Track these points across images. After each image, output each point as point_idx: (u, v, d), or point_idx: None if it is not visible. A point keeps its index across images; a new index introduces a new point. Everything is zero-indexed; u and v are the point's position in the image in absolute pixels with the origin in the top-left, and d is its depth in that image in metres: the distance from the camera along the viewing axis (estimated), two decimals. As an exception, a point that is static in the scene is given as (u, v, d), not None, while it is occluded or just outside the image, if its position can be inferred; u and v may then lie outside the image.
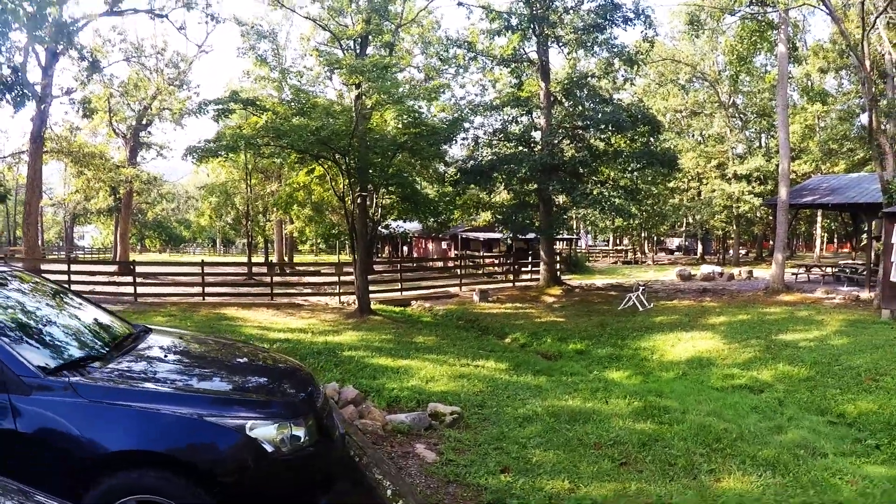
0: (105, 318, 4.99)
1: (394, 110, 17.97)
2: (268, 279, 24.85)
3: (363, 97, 17.55)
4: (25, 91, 13.21)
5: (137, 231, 50.88)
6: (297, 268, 35.20)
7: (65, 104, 36.45)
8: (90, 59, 20.97)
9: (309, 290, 23.77)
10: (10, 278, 4.90)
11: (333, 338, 13.84)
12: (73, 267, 23.90)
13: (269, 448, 3.53)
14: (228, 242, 78.70)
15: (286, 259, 40.01)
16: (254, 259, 39.36)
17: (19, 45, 14.41)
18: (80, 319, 4.70)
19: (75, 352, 4.09)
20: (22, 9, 12.65)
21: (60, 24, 14.95)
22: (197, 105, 19.81)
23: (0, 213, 57.91)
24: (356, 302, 19.14)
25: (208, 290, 22.09)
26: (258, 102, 19.46)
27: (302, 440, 3.70)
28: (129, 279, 22.74)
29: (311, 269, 31.13)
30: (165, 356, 4.58)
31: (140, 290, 21.57)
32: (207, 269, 23.60)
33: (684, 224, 55.91)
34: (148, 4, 24.77)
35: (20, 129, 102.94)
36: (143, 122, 35.83)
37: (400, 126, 18.23)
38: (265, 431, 3.55)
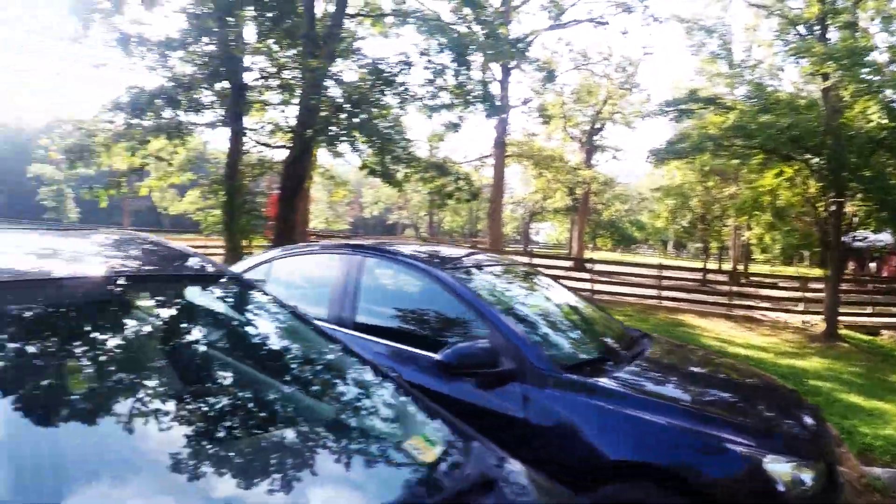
0: (609, 321, 5.08)
1: (874, 102, 15.69)
2: (723, 288, 23.65)
3: (835, 88, 15.67)
4: (494, 103, 14.87)
5: (591, 230, 52.90)
6: (751, 278, 33.28)
7: (524, 112, 39.58)
8: (546, 71, 22.40)
9: (766, 305, 21.85)
10: (534, 275, 5.30)
11: (797, 362, 12.74)
12: (531, 260, 25.88)
13: (781, 488, 3.13)
14: (680, 246, 77.61)
15: (740, 268, 37.92)
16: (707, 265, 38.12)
17: (477, 63, 16.21)
18: (592, 320, 4.84)
19: (591, 352, 4.18)
20: (475, 33, 14.74)
21: (512, 42, 16.32)
22: (658, 107, 19.69)
23: (464, 208, 65.57)
24: (823, 323, 17.16)
25: (663, 293, 21.76)
26: (718, 100, 18.65)
27: (807, 485, 3.24)
28: (584, 275, 24.00)
29: (768, 280, 29.03)
30: (667, 366, 4.44)
31: (595, 286, 22.38)
32: (663, 273, 23.59)
33: None
34: (588, 14, 25.71)
35: (482, 136, 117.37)
36: (596, 125, 37.25)
37: (885, 120, 15.82)
38: (780, 468, 3.18)
